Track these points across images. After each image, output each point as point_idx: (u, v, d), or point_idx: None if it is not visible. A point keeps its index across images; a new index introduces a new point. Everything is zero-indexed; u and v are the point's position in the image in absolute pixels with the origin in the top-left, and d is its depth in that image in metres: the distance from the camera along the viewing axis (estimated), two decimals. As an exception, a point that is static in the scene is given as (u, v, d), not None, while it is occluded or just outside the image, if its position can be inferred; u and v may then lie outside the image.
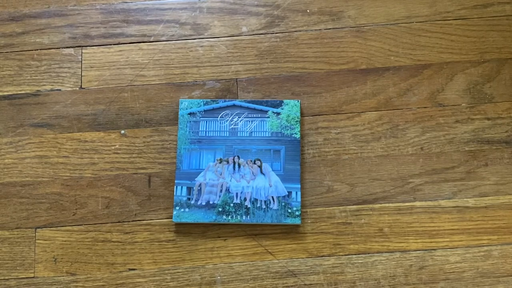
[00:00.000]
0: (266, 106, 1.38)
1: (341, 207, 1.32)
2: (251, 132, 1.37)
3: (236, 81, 1.42)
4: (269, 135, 1.36)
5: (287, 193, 1.32)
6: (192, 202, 1.32)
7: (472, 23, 1.45)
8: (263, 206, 1.31)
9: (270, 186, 1.33)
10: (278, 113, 1.38)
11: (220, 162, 1.35)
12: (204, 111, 1.38)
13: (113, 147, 1.38)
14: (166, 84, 1.42)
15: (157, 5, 1.49)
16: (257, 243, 1.30)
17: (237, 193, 1.32)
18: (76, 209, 1.34)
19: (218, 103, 1.38)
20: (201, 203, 1.32)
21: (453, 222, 1.31)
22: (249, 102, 1.38)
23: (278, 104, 1.38)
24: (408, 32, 1.45)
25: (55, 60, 1.44)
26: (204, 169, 1.34)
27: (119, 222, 1.33)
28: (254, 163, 1.35)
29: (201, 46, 1.45)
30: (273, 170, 1.34)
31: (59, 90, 1.42)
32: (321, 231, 1.31)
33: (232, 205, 1.31)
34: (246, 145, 1.36)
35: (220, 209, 1.31)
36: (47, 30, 1.47)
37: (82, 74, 1.43)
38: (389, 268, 1.28)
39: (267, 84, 1.42)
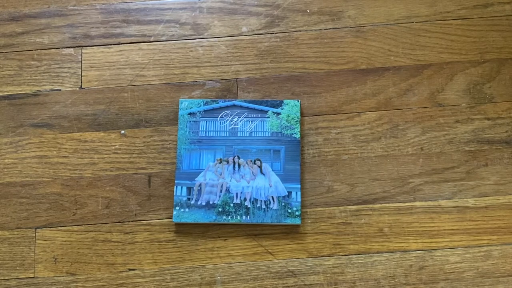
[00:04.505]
0: (266, 106, 1.38)
1: (341, 207, 1.32)
2: (251, 132, 1.37)
3: (236, 81, 1.42)
4: (269, 135, 1.36)
5: (287, 193, 1.32)
6: (192, 202, 1.32)
7: (472, 23, 1.45)
8: (263, 206, 1.31)
9: (270, 186, 1.33)
10: (278, 113, 1.38)
11: (220, 162, 1.35)
12: (204, 111, 1.38)
13: (113, 147, 1.38)
14: (166, 84, 1.42)
15: (157, 5, 1.49)
16: (257, 243, 1.30)
17: (237, 193, 1.32)
18: (76, 209, 1.34)
19: (218, 103, 1.39)
20: (201, 203, 1.32)
21: (453, 222, 1.31)
22: (249, 102, 1.38)
23: (278, 104, 1.38)
24: (408, 32, 1.45)
25: (55, 60, 1.44)
26: (204, 169, 1.34)
27: (119, 222, 1.33)
28: (254, 163, 1.35)
29: (201, 46, 1.45)
30: (273, 170, 1.34)
31: (59, 90, 1.42)
32: (321, 231, 1.31)
33: (232, 205, 1.31)
34: (246, 145, 1.36)
35: (220, 209, 1.31)
36: (47, 30, 1.47)
37: (82, 74, 1.43)
38: (389, 268, 1.28)
39: (267, 84, 1.42)
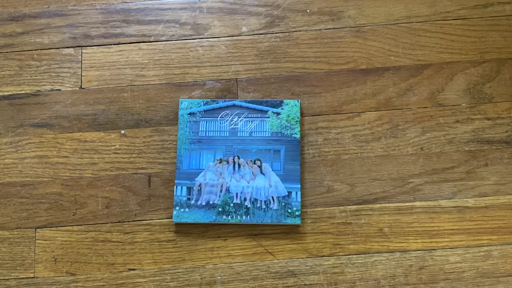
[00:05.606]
0: (266, 106, 1.38)
1: (341, 207, 1.32)
2: (251, 132, 1.37)
3: (236, 81, 1.42)
4: (269, 135, 1.36)
5: (287, 193, 1.32)
6: (192, 202, 1.32)
7: (472, 23, 1.45)
8: (263, 206, 1.31)
9: (270, 186, 1.33)
10: (278, 113, 1.38)
11: (220, 162, 1.35)
12: (204, 111, 1.38)
13: (113, 147, 1.38)
14: (166, 84, 1.42)
15: (157, 5, 1.49)
16: (257, 243, 1.30)
17: (237, 193, 1.32)
18: (76, 209, 1.34)
19: (218, 103, 1.39)
20: (201, 203, 1.32)
21: (453, 222, 1.31)
22: (249, 102, 1.38)
23: (278, 104, 1.38)
24: (408, 32, 1.45)
25: (55, 60, 1.44)
26: (204, 169, 1.34)
27: (119, 222, 1.33)
28: (254, 163, 1.35)
29: (201, 46, 1.45)
30: (273, 170, 1.34)
31: (59, 90, 1.42)
32: (321, 231, 1.31)
33: (232, 205, 1.31)
34: (246, 145, 1.36)
35: (220, 209, 1.31)
36: (47, 30, 1.47)
37: (82, 74, 1.43)
38: (389, 268, 1.28)
39: (267, 84, 1.42)
